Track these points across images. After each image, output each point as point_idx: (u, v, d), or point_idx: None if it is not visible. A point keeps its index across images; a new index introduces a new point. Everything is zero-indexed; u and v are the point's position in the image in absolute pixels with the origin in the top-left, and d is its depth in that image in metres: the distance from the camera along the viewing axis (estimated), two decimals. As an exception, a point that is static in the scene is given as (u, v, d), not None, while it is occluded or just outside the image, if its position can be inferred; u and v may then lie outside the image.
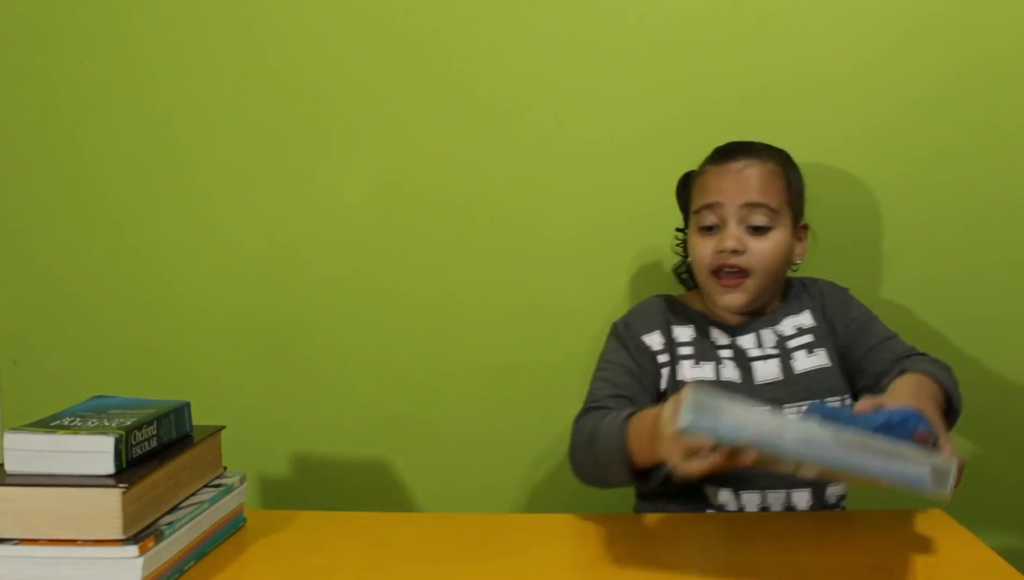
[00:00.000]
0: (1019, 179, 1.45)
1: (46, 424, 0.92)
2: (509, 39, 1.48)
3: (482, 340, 1.54)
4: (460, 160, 1.51)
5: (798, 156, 1.46)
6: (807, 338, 1.23)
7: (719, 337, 1.23)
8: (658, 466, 0.96)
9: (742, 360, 1.21)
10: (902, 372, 1.11)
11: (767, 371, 1.20)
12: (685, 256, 1.30)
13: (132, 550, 0.86)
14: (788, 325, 1.24)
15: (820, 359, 1.22)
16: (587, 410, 1.15)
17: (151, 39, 1.53)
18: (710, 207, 1.20)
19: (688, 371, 1.20)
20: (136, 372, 1.59)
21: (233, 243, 1.56)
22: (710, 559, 1.01)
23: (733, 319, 1.24)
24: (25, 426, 0.91)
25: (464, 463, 1.55)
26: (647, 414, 0.98)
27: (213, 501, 1.01)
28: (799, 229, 1.25)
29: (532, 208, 1.51)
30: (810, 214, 1.48)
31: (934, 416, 0.97)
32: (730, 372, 1.20)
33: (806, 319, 1.25)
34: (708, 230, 1.21)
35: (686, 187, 1.29)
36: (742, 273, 1.19)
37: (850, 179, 1.46)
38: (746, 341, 1.23)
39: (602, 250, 1.50)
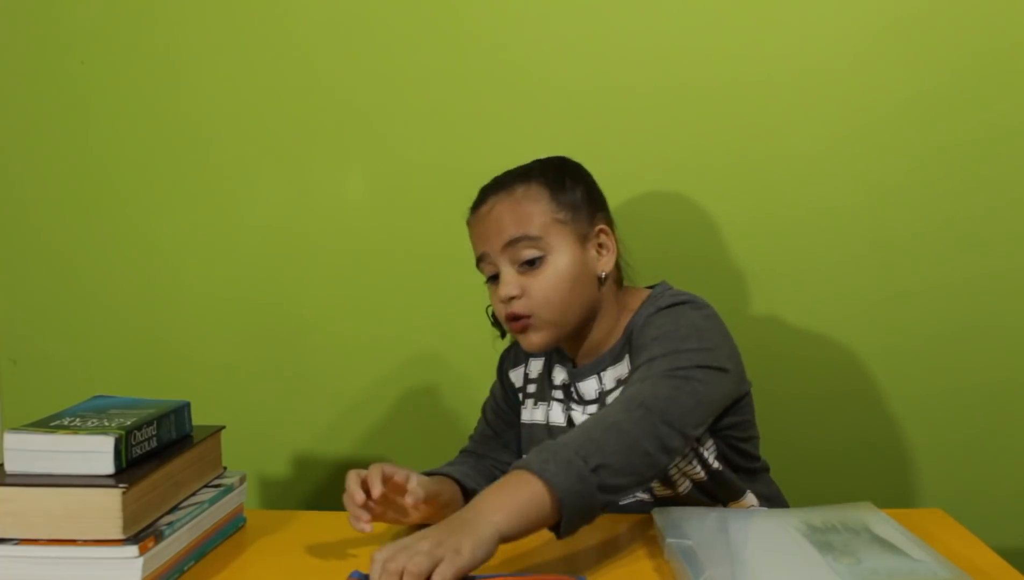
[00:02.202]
0: (1020, 180, 1.45)
1: (46, 424, 0.92)
2: (508, 36, 1.48)
3: (484, 338, 1.53)
4: (461, 154, 1.51)
5: (793, 154, 1.45)
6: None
7: (559, 375, 1.18)
8: None
9: (568, 403, 1.16)
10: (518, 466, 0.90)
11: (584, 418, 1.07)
12: None
13: (132, 550, 0.86)
14: (609, 378, 1.12)
15: None
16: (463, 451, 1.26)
17: (153, 37, 1.54)
18: (481, 261, 1.12)
19: (528, 413, 1.21)
20: (136, 372, 1.59)
21: (234, 242, 1.56)
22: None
23: (574, 356, 1.16)
24: (25, 426, 0.91)
25: (464, 463, 1.55)
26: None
27: (213, 501, 1.01)
28: (593, 236, 1.12)
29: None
30: (805, 211, 1.47)
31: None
32: (557, 415, 1.17)
33: (623, 369, 1.11)
34: (493, 281, 1.12)
35: None
36: (525, 318, 1.08)
37: (846, 178, 1.46)
38: (582, 384, 1.14)
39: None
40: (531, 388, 1.21)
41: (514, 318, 1.09)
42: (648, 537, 1.03)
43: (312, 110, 1.53)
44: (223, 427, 1.09)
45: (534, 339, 1.10)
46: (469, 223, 1.15)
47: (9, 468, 0.89)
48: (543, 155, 1.49)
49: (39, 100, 1.56)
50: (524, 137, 1.49)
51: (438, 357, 1.55)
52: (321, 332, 1.56)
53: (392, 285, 1.54)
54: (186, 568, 0.95)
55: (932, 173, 1.45)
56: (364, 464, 1.55)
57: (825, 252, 1.48)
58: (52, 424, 0.92)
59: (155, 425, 0.96)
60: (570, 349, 1.16)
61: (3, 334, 1.61)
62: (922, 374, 1.49)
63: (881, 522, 0.97)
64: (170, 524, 0.92)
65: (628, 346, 1.11)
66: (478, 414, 1.54)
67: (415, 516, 1.04)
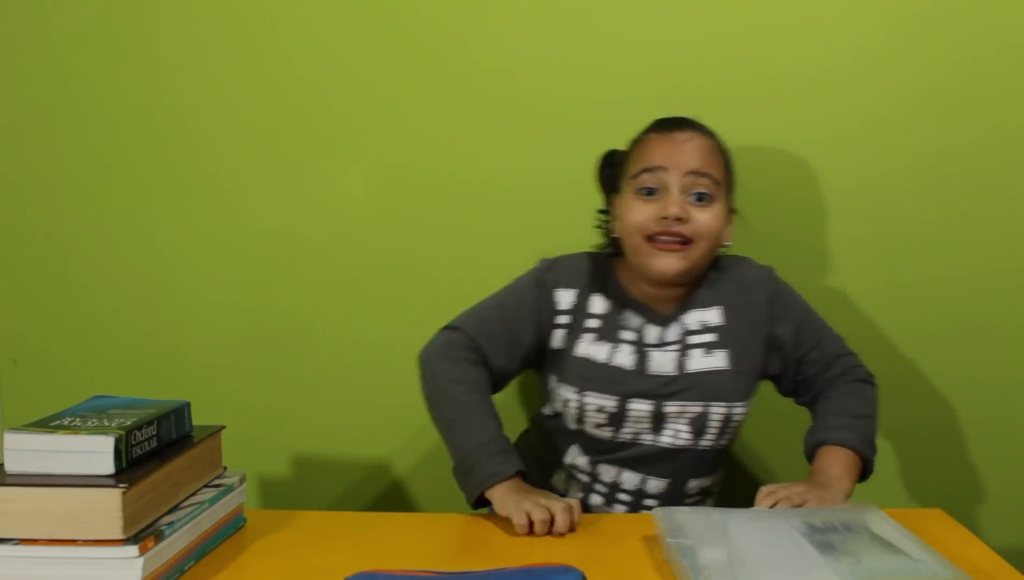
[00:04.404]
0: (1019, 179, 1.45)
1: (46, 424, 0.92)
2: (508, 32, 1.48)
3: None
4: (460, 155, 1.51)
5: (791, 152, 1.46)
6: (709, 337, 1.21)
7: (630, 319, 1.22)
8: None
9: (641, 347, 1.20)
10: (821, 443, 1.17)
11: (662, 363, 1.19)
12: (608, 233, 1.29)
13: (132, 550, 0.86)
14: (693, 319, 1.22)
15: (716, 361, 1.20)
16: (451, 334, 1.23)
17: (152, 38, 1.53)
18: (651, 171, 1.18)
19: (584, 346, 1.21)
20: (136, 372, 1.59)
21: (233, 242, 1.56)
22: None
23: (652, 301, 1.23)
24: (25, 426, 0.91)
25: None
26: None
27: (213, 501, 1.01)
28: (730, 212, 1.24)
29: (533, 202, 1.51)
30: (803, 210, 1.47)
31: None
32: (624, 358, 1.20)
33: (713, 316, 1.22)
34: (647, 194, 1.18)
35: (611, 164, 1.28)
36: (685, 241, 1.17)
37: (844, 176, 1.46)
38: (652, 330, 1.22)
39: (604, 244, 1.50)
40: (591, 323, 1.22)
41: (671, 239, 1.17)
42: (648, 537, 1.03)
43: (312, 111, 1.52)
44: (223, 427, 1.09)
45: (679, 264, 1.18)
46: (651, 138, 1.22)
47: (9, 468, 0.89)
48: (542, 155, 1.50)
49: (39, 99, 1.56)
50: (523, 138, 1.49)
51: (438, 357, 1.55)
52: (321, 332, 1.56)
53: (392, 285, 1.54)
54: (186, 568, 0.95)
55: (932, 172, 1.45)
56: (364, 464, 1.58)
57: (823, 251, 1.48)
58: (52, 424, 0.92)
59: (155, 425, 0.96)
60: (664, 295, 1.23)
61: (3, 334, 1.61)
62: (922, 374, 1.49)
63: (881, 522, 0.97)
64: (170, 524, 0.92)
65: (708, 296, 1.23)
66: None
67: None
